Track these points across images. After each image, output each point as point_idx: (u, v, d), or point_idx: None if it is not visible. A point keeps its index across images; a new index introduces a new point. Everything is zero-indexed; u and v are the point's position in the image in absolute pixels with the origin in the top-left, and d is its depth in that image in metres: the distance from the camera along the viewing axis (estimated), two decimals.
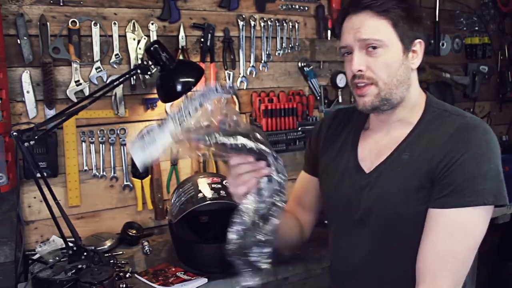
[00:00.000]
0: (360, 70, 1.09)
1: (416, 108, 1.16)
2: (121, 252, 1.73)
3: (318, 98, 2.33)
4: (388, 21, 1.07)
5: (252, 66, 2.16)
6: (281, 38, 2.23)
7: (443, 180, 1.04)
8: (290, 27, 2.24)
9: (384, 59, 1.08)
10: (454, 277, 1.04)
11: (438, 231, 1.04)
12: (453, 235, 1.03)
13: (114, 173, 1.89)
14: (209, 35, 2.02)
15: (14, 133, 1.44)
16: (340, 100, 2.38)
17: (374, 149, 1.20)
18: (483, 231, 1.05)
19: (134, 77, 1.86)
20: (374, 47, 1.07)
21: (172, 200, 1.63)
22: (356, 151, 1.23)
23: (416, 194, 1.08)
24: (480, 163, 1.02)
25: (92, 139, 1.84)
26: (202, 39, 2.01)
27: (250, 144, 0.95)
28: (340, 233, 1.27)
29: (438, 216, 1.04)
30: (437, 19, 2.72)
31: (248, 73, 2.16)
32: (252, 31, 2.14)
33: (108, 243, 1.74)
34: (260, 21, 2.16)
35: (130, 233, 1.81)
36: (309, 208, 1.38)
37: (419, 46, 1.12)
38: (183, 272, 1.51)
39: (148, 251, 1.72)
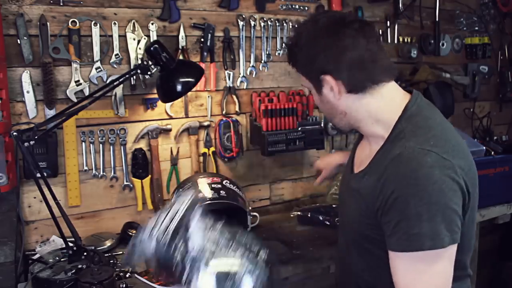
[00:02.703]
0: None
1: (389, 123, 1.10)
2: (121, 252, 1.72)
3: None
4: (297, 70, 1.18)
5: (252, 66, 2.16)
6: (281, 38, 2.22)
7: (384, 216, 1.01)
8: (290, 27, 2.24)
9: (315, 100, 1.22)
10: None
11: (402, 275, 1.00)
12: (419, 277, 0.98)
13: (114, 173, 1.89)
14: (209, 35, 2.02)
15: (14, 133, 1.44)
16: None
17: (360, 156, 1.24)
18: (447, 267, 0.99)
19: (134, 77, 1.86)
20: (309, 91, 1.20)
21: (172, 200, 1.63)
22: (353, 158, 1.29)
23: (366, 218, 1.09)
24: (410, 204, 0.95)
25: (92, 139, 1.84)
26: (202, 39, 2.01)
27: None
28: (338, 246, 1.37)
29: (392, 258, 1.01)
30: (437, 19, 2.72)
31: (248, 73, 2.16)
32: (252, 31, 2.14)
33: (108, 243, 1.74)
34: (260, 21, 2.16)
35: (130, 233, 1.81)
36: None
37: (329, 78, 1.09)
38: None
39: None
